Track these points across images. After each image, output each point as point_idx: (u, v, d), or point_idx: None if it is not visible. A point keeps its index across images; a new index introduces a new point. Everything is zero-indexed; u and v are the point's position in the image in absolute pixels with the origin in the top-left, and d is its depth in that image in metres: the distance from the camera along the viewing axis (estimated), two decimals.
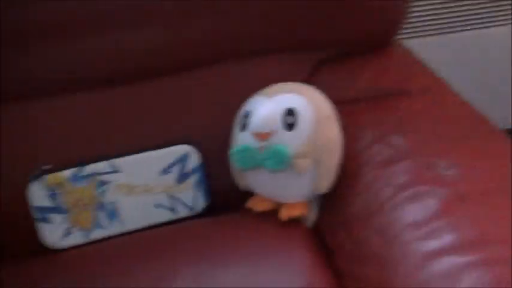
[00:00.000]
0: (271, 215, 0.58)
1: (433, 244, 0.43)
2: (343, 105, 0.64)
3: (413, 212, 0.47)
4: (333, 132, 0.56)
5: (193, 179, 0.63)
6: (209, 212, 0.65)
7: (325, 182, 0.55)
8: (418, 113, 0.60)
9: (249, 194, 0.62)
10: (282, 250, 0.54)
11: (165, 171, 0.62)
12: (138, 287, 0.51)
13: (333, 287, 0.48)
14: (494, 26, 0.93)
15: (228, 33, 0.64)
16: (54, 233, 0.59)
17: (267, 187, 0.57)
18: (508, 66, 0.96)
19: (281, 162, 0.53)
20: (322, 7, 0.64)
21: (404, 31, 0.86)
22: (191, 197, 0.63)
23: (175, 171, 0.62)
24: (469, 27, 0.93)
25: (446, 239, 0.43)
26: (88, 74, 0.63)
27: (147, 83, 0.64)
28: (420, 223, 0.45)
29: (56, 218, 0.59)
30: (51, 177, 0.58)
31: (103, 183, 0.60)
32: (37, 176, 0.58)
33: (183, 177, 0.62)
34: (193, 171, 0.63)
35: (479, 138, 0.56)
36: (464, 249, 0.41)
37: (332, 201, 0.56)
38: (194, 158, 0.62)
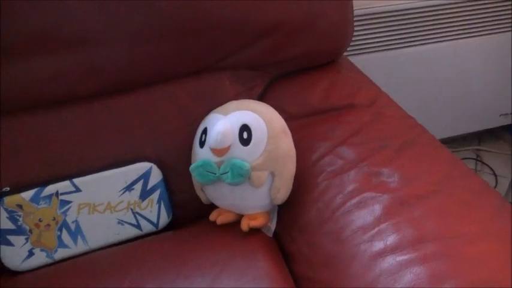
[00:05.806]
0: (234, 225, 0.61)
1: (378, 245, 0.47)
2: (297, 119, 0.69)
3: (361, 217, 0.51)
4: (286, 146, 0.60)
5: (155, 195, 0.65)
6: (173, 226, 0.67)
7: (282, 193, 0.59)
8: (365, 125, 0.65)
9: (212, 207, 0.64)
10: (244, 259, 0.56)
11: (128, 188, 0.63)
12: None
13: None
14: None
15: (181, 51, 0.66)
16: (16, 255, 0.59)
17: (227, 200, 0.60)
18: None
19: (239, 175, 0.56)
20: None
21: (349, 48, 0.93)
22: (155, 213, 0.65)
23: (137, 188, 0.64)
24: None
25: (389, 240, 0.47)
26: (44, 93, 0.63)
27: (105, 101, 0.66)
28: (367, 227, 0.50)
29: (18, 239, 0.59)
30: (9, 200, 0.58)
31: (65, 202, 0.61)
32: None
33: (145, 193, 0.64)
34: (155, 187, 0.65)
35: (418, 146, 0.61)
36: (405, 248, 0.46)
37: (290, 210, 0.60)
38: (156, 175, 0.64)
